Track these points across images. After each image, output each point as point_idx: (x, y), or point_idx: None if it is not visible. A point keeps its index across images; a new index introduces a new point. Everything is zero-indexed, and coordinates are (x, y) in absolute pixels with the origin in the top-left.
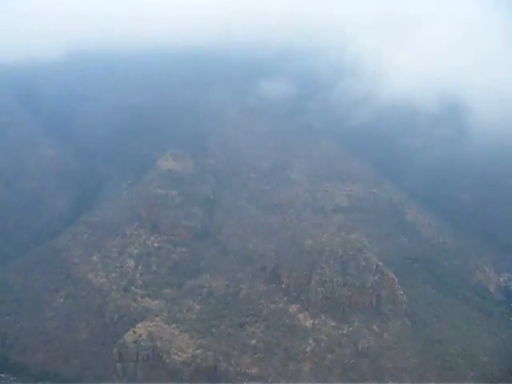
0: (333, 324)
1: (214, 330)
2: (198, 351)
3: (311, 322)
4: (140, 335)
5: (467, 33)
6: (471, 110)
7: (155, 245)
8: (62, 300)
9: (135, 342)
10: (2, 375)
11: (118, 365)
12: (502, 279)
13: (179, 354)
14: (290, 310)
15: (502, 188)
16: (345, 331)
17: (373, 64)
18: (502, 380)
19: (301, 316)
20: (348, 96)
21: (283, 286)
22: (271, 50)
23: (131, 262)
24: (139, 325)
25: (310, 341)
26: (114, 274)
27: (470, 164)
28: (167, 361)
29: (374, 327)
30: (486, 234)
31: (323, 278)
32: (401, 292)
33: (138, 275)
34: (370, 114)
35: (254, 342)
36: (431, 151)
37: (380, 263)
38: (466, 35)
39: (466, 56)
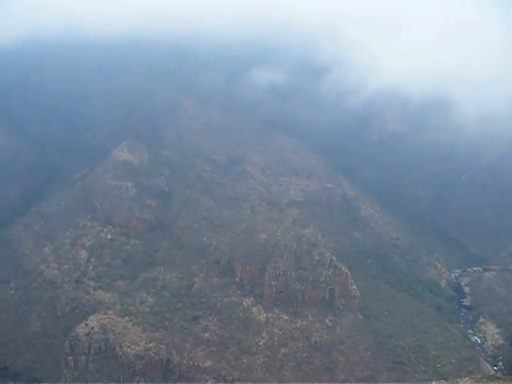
0: (286, 318)
1: (167, 323)
2: (151, 344)
3: (265, 315)
4: (92, 328)
5: (455, 27)
6: (427, 107)
7: (108, 237)
8: (12, 292)
9: (87, 334)
10: None
11: (70, 358)
12: (453, 275)
13: (132, 346)
14: (244, 303)
15: (455, 185)
16: (298, 325)
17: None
18: (451, 374)
19: (254, 310)
20: (308, 92)
21: (237, 279)
22: (245, 42)
23: (84, 254)
24: (91, 317)
25: (264, 334)
26: (66, 266)
27: (423, 161)
28: (120, 354)
29: (327, 321)
30: (438, 231)
31: (277, 272)
32: (354, 287)
33: (90, 267)
34: (329, 111)
35: (207, 335)
36: (386, 147)
37: (333, 258)
38: (454, 29)
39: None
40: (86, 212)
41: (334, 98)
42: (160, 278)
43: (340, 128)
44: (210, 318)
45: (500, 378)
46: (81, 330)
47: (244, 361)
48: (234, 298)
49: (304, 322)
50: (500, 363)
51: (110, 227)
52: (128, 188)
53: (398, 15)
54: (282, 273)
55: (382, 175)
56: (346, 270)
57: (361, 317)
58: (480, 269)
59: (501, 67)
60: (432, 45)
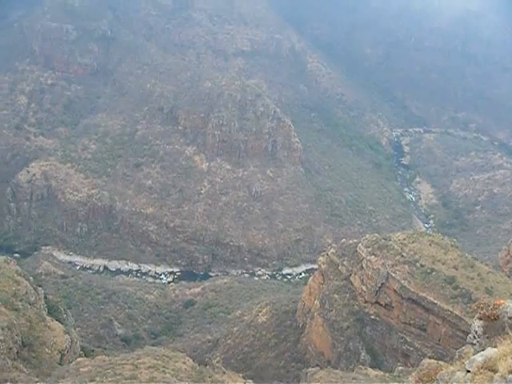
0: (228, 167)
1: (109, 170)
2: (94, 191)
3: (207, 164)
4: (34, 175)
5: None
6: None
7: (49, 82)
8: None
9: (29, 181)
10: None
11: (12, 204)
12: (394, 134)
13: (74, 193)
14: (187, 151)
15: (404, 46)
16: (239, 175)
17: None
18: (385, 228)
19: (197, 158)
20: None
21: (180, 127)
22: None
23: (23, 99)
24: (33, 164)
25: (205, 183)
26: (4, 112)
27: (375, 19)
28: (62, 200)
29: (268, 172)
30: (383, 90)
31: (220, 122)
32: (296, 139)
33: (30, 113)
34: None
35: (149, 182)
36: (338, 2)
37: (278, 110)
38: None
39: None
40: (25, 56)
41: None
42: (102, 124)
43: None
44: (153, 166)
45: (429, 235)
46: (22, 176)
47: (185, 208)
48: (176, 146)
49: (246, 172)
50: (431, 221)
51: (50, 72)
52: (69, 31)
53: None
54: (225, 122)
55: (332, 30)
56: (290, 123)
57: (301, 169)
58: (421, 130)
59: None
60: None
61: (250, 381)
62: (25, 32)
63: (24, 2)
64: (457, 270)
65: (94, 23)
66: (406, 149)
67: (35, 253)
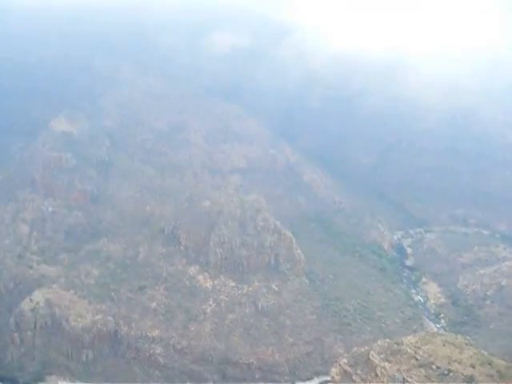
0: (232, 284)
1: (113, 295)
2: (98, 316)
3: (211, 282)
4: (37, 303)
5: None
6: (368, 71)
7: (50, 210)
8: None
9: (32, 310)
10: None
11: (15, 334)
12: (395, 237)
13: (78, 320)
14: (190, 271)
15: (396, 149)
16: (244, 291)
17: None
18: (396, 333)
19: (200, 277)
20: (251, 56)
21: (182, 247)
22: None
23: (25, 228)
24: (36, 292)
25: (211, 301)
26: (7, 241)
27: (365, 126)
28: (67, 328)
29: (273, 286)
30: (380, 194)
31: (222, 239)
32: (298, 251)
33: (32, 241)
34: (274, 78)
35: (154, 304)
36: (328, 113)
37: (277, 223)
38: None
39: None
40: (26, 185)
41: (280, 65)
42: (104, 249)
43: (283, 94)
44: (157, 288)
45: (442, 335)
46: (26, 305)
47: (192, 329)
48: (179, 267)
49: (250, 288)
50: (442, 321)
51: (51, 199)
52: (67, 159)
53: None
54: (226, 240)
55: (325, 141)
56: (291, 235)
57: (306, 281)
58: (422, 230)
59: (445, 38)
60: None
61: None
62: (25, 162)
63: (25, 135)
64: (474, 368)
65: (93, 150)
66: (409, 250)
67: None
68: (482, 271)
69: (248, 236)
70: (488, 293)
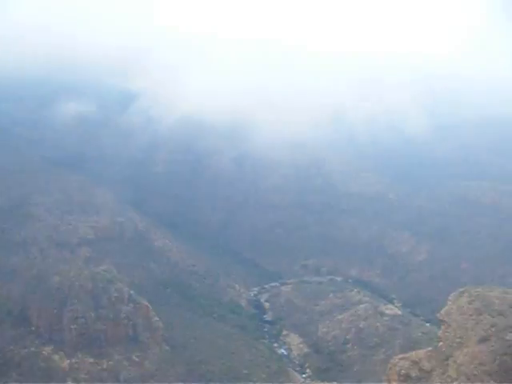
0: (91, 360)
1: None
2: None
3: (68, 361)
4: None
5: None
6: (214, 133)
7: None
8: None
9: None
10: None
11: None
12: (252, 294)
13: None
14: (44, 352)
15: (245, 207)
16: (104, 366)
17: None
18: None
19: (56, 357)
20: (97, 125)
21: (33, 328)
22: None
23: None
24: None
25: (70, 381)
26: None
27: (213, 187)
28: None
29: (134, 357)
30: (232, 253)
31: (75, 315)
32: (156, 319)
33: None
34: (117, 143)
35: None
36: (174, 176)
37: (132, 292)
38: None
39: None
40: None
41: (126, 132)
42: None
43: (129, 161)
44: (9, 374)
45: None
46: None
47: None
48: (32, 349)
49: (110, 362)
50: (308, 370)
51: None
52: None
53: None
54: (80, 315)
55: (172, 204)
56: (147, 303)
57: (167, 348)
58: (277, 284)
59: (288, 96)
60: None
61: None
62: None
63: None
64: None
65: None
66: (267, 305)
67: None
68: (339, 317)
69: (103, 309)
70: (348, 336)
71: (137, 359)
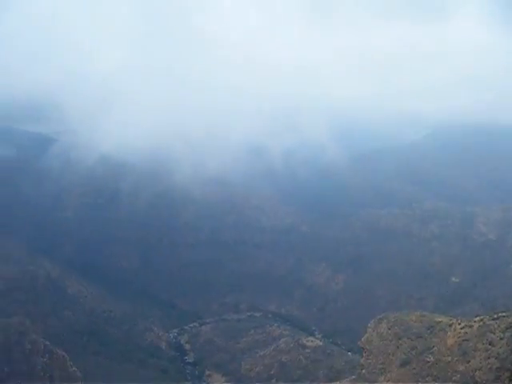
0: None
1: None
2: None
3: None
4: None
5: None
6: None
7: None
8: None
9: None
10: None
11: None
12: (171, 335)
13: None
14: None
15: (158, 248)
16: None
17: None
18: None
19: None
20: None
21: None
22: None
23: None
24: None
25: None
26: None
27: (125, 229)
28: None
29: None
30: (149, 295)
31: None
32: (74, 369)
33: None
34: (27, 189)
35: None
36: (84, 220)
37: (47, 343)
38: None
39: None
40: None
41: (39, 177)
42: None
43: (40, 207)
44: None
45: None
46: None
47: None
48: None
49: None
50: None
51: None
52: None
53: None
54: None
55: (84, 249)
56: (63, 353)
57: None
58: (196, 324)
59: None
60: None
61: None
62: None
63: None
64: None
65: None
66: (187, 346)
67: None
68: (261, 353)
69: (16, 362)
70: (271, 372)
71: None
